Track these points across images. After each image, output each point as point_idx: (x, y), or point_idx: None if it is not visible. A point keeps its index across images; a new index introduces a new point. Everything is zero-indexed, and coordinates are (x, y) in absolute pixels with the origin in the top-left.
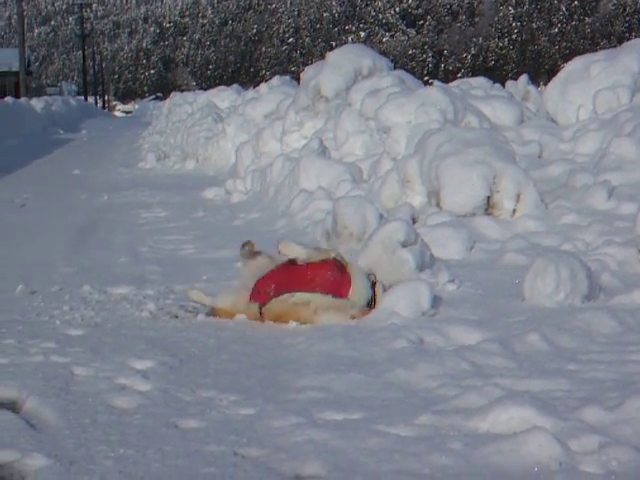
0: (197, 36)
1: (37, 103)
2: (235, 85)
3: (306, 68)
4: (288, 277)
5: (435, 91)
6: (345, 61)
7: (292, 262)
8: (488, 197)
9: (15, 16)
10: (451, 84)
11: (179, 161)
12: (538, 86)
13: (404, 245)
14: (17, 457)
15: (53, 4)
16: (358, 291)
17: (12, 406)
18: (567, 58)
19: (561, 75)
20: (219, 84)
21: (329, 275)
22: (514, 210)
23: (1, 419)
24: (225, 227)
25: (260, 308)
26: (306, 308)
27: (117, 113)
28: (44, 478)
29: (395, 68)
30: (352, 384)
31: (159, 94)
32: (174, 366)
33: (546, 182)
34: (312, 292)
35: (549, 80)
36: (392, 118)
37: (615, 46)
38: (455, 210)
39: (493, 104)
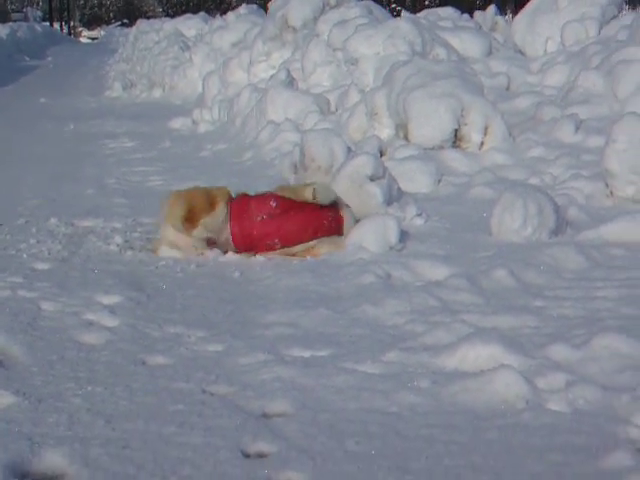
0: None
1: (2, 29)
2: (202, 13)
3: None
4: (291, 226)
5: (403, 23)
6: None
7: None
8: (456, 130)
9: None
10: (419, 15)
11: (146, 90)
12: (505, 15)
13: (372, 179)
14: None
15: None
16: (348, 229)
17: None
18: None
19: (529, 6)
20: (186, 11)
21: (331, 221)
22: (482, 143)
23: None
24: (192, 158)
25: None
26: (308, 251)
27: (83, 39)
28: (12, 416)
29: None
30: (320, 320)
31: (125, 20)
32: (141, 301)
33: (514, 115)
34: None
35: (516, 9)
36: (360, 50)
37: None
38: (423, 143)
39: (461, 36)
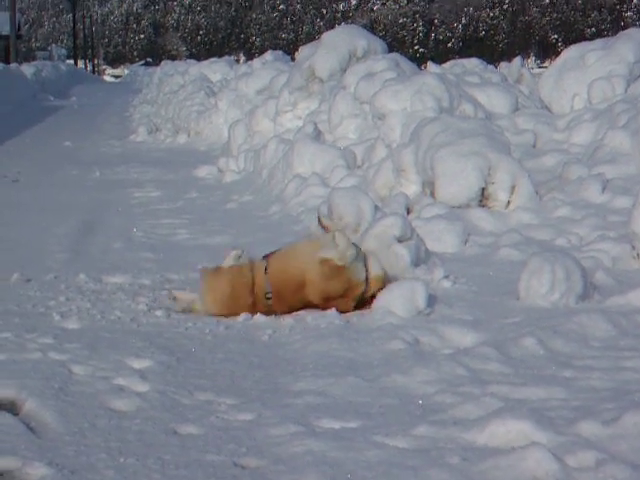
0: (187, 1)
1: (27, 69)
2: (227, 57)
3: (300, 47)
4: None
5: (431, 78)
6: (340, 42)
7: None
8: (483, 188)
9: None
10: (444, 66)
11: (170, 135)
12: (528, 59)
13: (400, 240)
14: (18, 465)
15: None
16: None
17: (11, 407)
18: (557, 29)
19: (557, 63)
20: (209, 50)
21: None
22: (508, 202)
23: (1, 422)
24: (219, 210)
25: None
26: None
27: (106, 77)
28: None
29: (386, 40)
30: (349, 389)
31: (149, 59)
32: (171, 365)
33: (540, 173)
34: None
35: (540, 53)
36: (387, 105)
37: (605, 20)
38: (449, 201)
39: (488, 91)
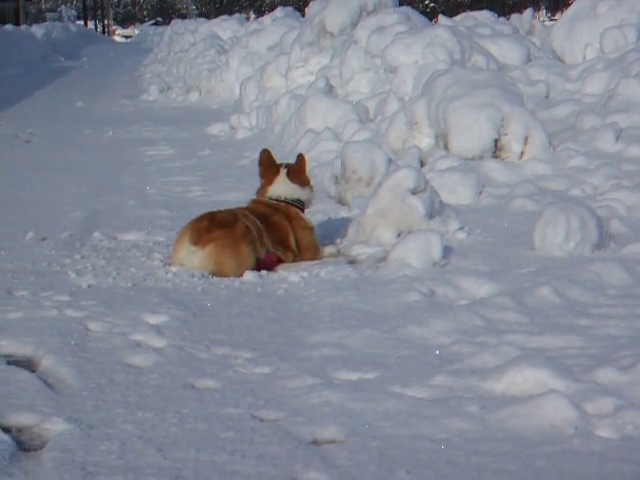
0: None
1: (37, 30)
2: (237, 15)
3: (310, 3)
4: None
5: (442, 30)
6: None
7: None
8: (496, 140)
9: None
10: (455, 19)
11: (182, 93)
12: (539, 11)
13: (413, 192)
14: (37, 421)
15: None
16: None
17: (28, 364)
18: None
19: (568, 13)
20: (219, 9)
21: None
22: (522, 153)
23: (19, 379)
24: (232, 167)
25: None
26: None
27: (117, 38)
28: (65, 444)
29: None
30: (366, 340)
31: (159, 19)
32: (188, 320)
33: (553, 123)
34: None
35: (551, 6)
36: (399, 58)
37: None
38: (463, 153)
39: (500, 43)
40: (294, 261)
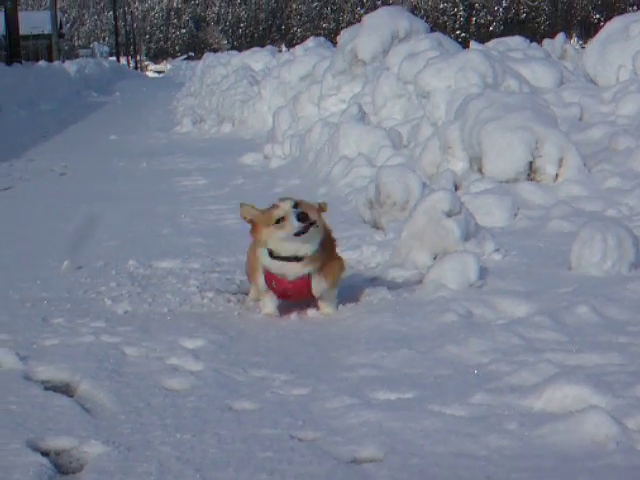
0: None
1: (70, 66)
2: (269, 46)
3: (342, 31)
4: None
5: (474, 55)
6: (382, 24)
7: None
8: (530, 162)
9: None
10: (488, 44)
11: (215, 125)
12: (570, 39)
13: (449, 215)
14: (75, 444)
15: None
16: None
17: (66, 389)
18: (599, 8)
19: (600, 35)
20: (250, 42)
21: None
22: (557, 175)
23: (56, 403)
24: (266, 195)
25: None
26: None
27: (149, 73)
28: (103, 466)
29: (427, 24)
30: (403, 361)
31: (191, 53)
32: (224, 344)
33: (588, 145)
34: None
35: (582, 33)
36: (431, 83)
37: None
38: (497, 176)
39: (532, 66)
40: None
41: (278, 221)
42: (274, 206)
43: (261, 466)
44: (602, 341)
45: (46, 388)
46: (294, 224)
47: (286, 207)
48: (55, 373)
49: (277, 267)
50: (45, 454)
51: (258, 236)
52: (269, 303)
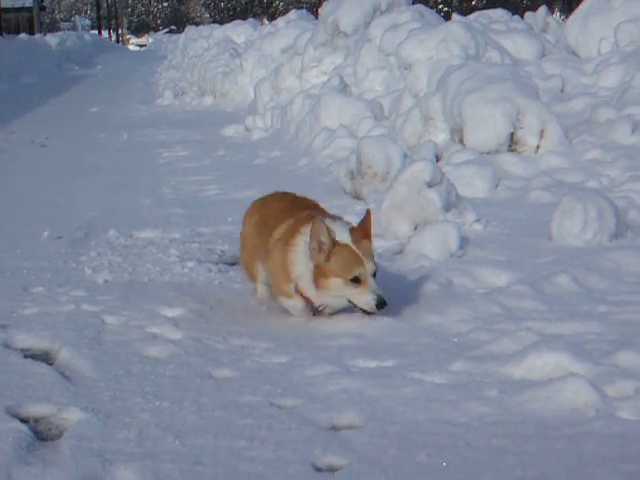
0: None
1: (52, 39)
2: (251, 19)
3: (324, 3)
4: None
5: (456, 26)
6: None
7: None
8: (511, 134)
9: None
10: (470, 17)
11: (197, 97)
12: (553, 13)
13: (430, 185)
14: (54, 411)
15: None
16: None
17: (46, 357)
18: None
19: (582, 7)
20: (233, 16)
21: None
22: (538, 146)
23: (36, 371)
24: (247, 166)
25: None
26: None
27: (131, 47)
28: (83, 432)
29: (414, 2)
30: (383, 330)
31: (173, 27)
32: (204, 313)
33: (569, 117)
34: None
35: (564, 8)
36: (413, 54)
37: None
38: (478, 147)
39: (514, 38)
40: None
41: (355, 279)
42: (330, 218)
43: (240, 433)
44: (582, 310)
45: (26, 356)
46: (372, 306)
47: (367, 268)
48: (35, 341)
49: (319, 299)
50: (24, 421)
51: (326, 283)
52: (300, 304)
